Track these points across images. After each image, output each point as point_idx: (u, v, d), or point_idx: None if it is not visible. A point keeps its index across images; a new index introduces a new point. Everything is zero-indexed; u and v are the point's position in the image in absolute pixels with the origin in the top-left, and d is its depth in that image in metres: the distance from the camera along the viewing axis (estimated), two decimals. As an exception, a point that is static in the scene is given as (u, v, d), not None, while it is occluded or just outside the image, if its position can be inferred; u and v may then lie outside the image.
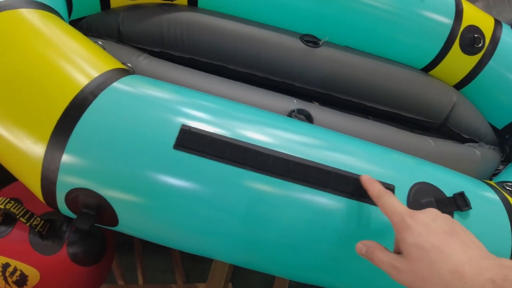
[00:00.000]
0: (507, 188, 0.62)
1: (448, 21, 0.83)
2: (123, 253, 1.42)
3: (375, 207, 0.46)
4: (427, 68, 0.88)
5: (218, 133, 0.48)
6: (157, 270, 1.41)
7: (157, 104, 0.50)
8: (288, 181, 0.45)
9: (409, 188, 0.49)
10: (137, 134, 0.47)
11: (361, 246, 0.42)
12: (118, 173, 0.47)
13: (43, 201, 0.54)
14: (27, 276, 0.57)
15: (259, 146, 0.47)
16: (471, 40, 0.83)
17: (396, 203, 0.41)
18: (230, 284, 1.35)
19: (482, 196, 0.57)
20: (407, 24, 0.82)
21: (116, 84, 0.53)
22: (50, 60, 0.53)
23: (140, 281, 1.28)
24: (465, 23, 0.83)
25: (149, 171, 0.47)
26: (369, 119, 0.87)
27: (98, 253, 0.59)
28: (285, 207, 0.46)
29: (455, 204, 0.50)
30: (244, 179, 0.46)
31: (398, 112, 0.86)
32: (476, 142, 0.88)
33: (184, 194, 0.47)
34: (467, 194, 0.53)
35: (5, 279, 0.59)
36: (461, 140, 0.88)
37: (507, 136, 0.92)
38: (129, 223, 0.50)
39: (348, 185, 0.47)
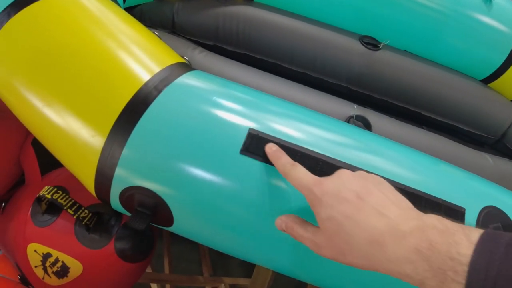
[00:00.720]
0: None
1: (513, 32, 0.76)
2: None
3: None
4: (487, 80, 0.82)
5: (286, 140, 0.44)
6: (184, 260, 1.39)
7: (223, 103, 0.47)
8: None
9: (478, 211, 0.45)
10: (202, 135, 0.44)
11: (280, 222, 0.37)
12: (179, 174, 0.44)
13: (94, 195, 0.52)
14: (69, 268, 0.55)
15: (330, 157, 0.43)
16: (537, 55, 0.76)
17: (303, 174, 0.36)
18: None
19: None
20: (470, 31, 0.77)
21: (180, 80, 0.50)
22: (113, 50, 0.51)
23: (166, 270, 1.27)
24: (535, 35, 0.77)
25: (211, 174, 0.43)
26: (423, 129, 0.82)
27: (146, 250, 0.56)
28: None
29: None
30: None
31: (455, 124, 0.80)
32: None
33: (245, 201, 0.44)
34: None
35: (44, 269, 0.58)
36: (517, 159, 0.82)
37: None
38: (184, 225, 0.48)
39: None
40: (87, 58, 0.50)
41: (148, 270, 1.26)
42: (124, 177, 0.46)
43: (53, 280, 0.58)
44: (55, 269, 0.57)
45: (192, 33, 0.73)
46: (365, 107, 0.74)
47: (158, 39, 0.58)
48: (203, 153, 0.43)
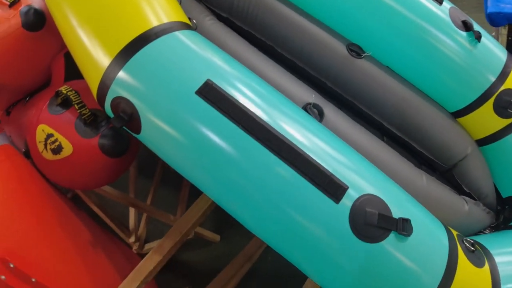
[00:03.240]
0: (465, 243, 0.69)
1: (491, 77, 0.89)
2: (144, 175, 1.66)
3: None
4: (457, 114, 0.94)
5: (232, 95, 0.63)
6: (165, 202, 1.63)
7: (199, 59, 0.66)
8: (267, 148, 0.60)
9: (360, 194, 0.61)
10: (175, 75, 0.64)
11: None
12: (151, 97, 0.65)
13: (95, 99, 0.73)
14: (63, 148, 0.78)
15: (254, 114, 0.61)
16: (506, 103, 0.89)
17: None
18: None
19: (431, 234, 0.66)
20: (452, 65, 0.89)
21: (176, 33, 0.69)
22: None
23: (148, 202, 1.51)
24: (506, 85, 0.89)
25: (172, 104, 0.63)
26: (384, 139, 0.97)
27: (120, 149, 0.78)
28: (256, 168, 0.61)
29: (395, 226, 0.60)
30: (237, 135, 0.61)
31: (412, 143, 0.94)
32: (474, 199, 0.93)
33: (190, 132, 0.63)
34: (417, 224, 0.62)
35: (45, 145, 0.81)
36: (460, 190, 0.94)
37: (507, 206, 0.96)
38: (147, 135, 0.68)
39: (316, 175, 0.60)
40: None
41: (132, 195, 1.51)
42: (116, 89, 0.67)
43: (49, 155, 0.81)
44: (53, 146, 0.80)
45: (211, 2, 0.92)
46: (332, 102, 0.90)
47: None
48: (170, 86, 0.63)
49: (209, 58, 0.68)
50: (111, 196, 1.39)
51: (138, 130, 0.68)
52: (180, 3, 0.83)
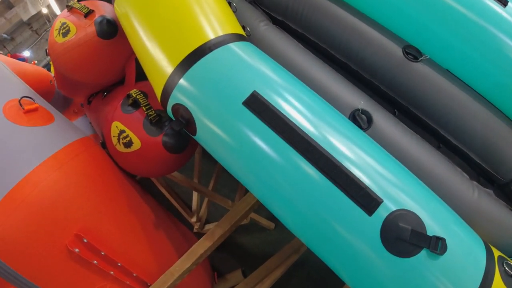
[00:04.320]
0: (504, 266, 0.66)
1: None
2: (209, 160, 1.78)
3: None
4: None
5: (278, 107, 0.67)
6: (227, 188, 1.74)
7: (248, 70, 0.72)
8: (305, 159, 0.63)
9: (394, 209, 0.62)
10: (226, 85, 0.70)
11: None
12: (206, 105, 0.72)
13: (160, 102, 0.83)
14: (133, 143, 0.89)
15: (297, 126, 0.65)
16: None
17: None
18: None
19: (467, 254, 0.64)
20: None
21: (230, 45, 0.75)
22: (193, 10, 0.77)
23: (210, 188, 1.63)
24: None
25: (222, 112, 0.70)
26: (439, 147, 0.93)
27: (180, 147, 0.88)
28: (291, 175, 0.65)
29: (428, 243, 0.60)
30: (278, 145, 0.66)
31: (468, 152, 0.89)
32: None
33: (238, 137, 0.70)
34: (454, 242, 0.62)
35: (118, 139, 0.93)
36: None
37: None
38: (201, 137, 0.76)
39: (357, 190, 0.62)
40: (177, 15, 0.78)
41: (195, 180, 1.64)
42: (177, 95, 0.76)
43: (121, 148, 0.93)
44: (125, 141, 0.92)
45: (267, 6, 0.96)
46: (386, 105, 0.88)
47: (228, 7, 0.83)
48: (221, 96, 0.70)
49: (258, 69, 0.73)
50: (177, 180, 1.53)
51: (194, 132, 0.76)
52: (235, 11, 0.88)
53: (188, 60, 0.74)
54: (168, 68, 0.77)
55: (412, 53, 0.88)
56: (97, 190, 0.91)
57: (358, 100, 0.84)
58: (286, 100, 0.69)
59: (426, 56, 0.87)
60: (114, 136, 0.93)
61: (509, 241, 0.81)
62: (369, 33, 0.89)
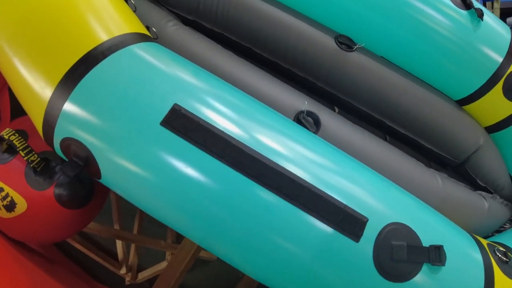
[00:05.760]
0: (497, 253, 0.58)
1: (498, 58, 0.76)
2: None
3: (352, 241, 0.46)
4: (462, 102, 0.82)
5: (207, 119, 0.48)
6: (154, 223, 1.47)
7: (162, 77, 0.51)
8: (261, 185, 0.45)
9: (383, 226, 0.48)
10: (132, 103, 0.49)
11: None
12: (107, 134, 0.49)
13: (44, 140, 0.58)
14: (16, 204, 0.62)
15: (240, 142, 0.47)
16: (517, 85, 0.77)
17: None
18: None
19: (464, 254, 0.54)
20: (453, 48, 0.76)
21: (131, 48, 0.54)
22: (76, 8, 0.55)
23: (135, 230, 1.35)
24: (516, 65, 0.77)
25: (133, 141, 0.48)
26: (386, 139, 0.84)
27: (83, 199, 0.62)
28: (243, 203, 0.46)
29: (428, 256, 0.48)
30: (221, 172, 0.46)
31: (418, 139, 0.82)
32: (490, 192, 0.82)
33: (161, 172, 0.48)
34: (449, 247, 0.51)
35: (-2, 202, 0.65)
36: (475, 185, 0.83)
37: (525, 195, 0.86)
38: (110, 180, 0.53)
39: (331, 213, 0.46)
40: (51, 11, 0.55)
41: (116, 227, 1.35)
42: (64, 127, 0.52)
43: (3, 213, 0.65)
44: (5, 203, 0.63)
45: (174, 4, 0.77)
46: (332, 107, 0.76)
47: (126, 5, 0.62)
48: (128, 118, 0.48)
49: (174, 74, 0.52)
50: (94, 231, 1.23)
51: (98, 175, 0.53)
52: (135, 11, 0.67)
53: (73, 73, 0.51)
54: (47, 90, 0.53)
55: (345, 42, 0.76)
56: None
57: (299, 100, 0.70)
58: (219, 111, 0.50)
59: (361, 44, 0.76)
60: (-12, 199, 0.64)
61: (480, 222, 0.75)
62: (297, 26, 0.75)
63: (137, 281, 1.37)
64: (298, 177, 0.46)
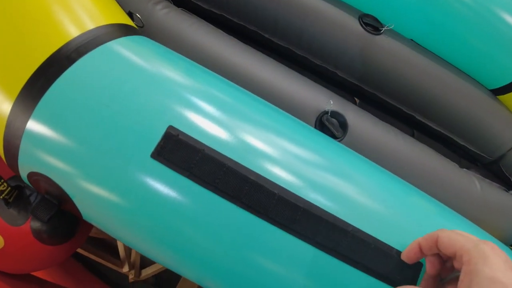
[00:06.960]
0: None
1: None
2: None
3: None
4: (498, 91, 0.69)
5: (214, 145, 0.35)
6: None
7: (149, 86, 0.37)
8: (289, 233, 0.33)
9: None
10: (112, 127, 0.35)
11: None
12: (81, 168, 0.36)
13: (8, 167, 0.45)
14: (-9, 240, 0.50)
15: (261, 177, 0.34)
16: None
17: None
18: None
19: None
20: (492, 31, 0.62)
21: (110, 44, 0.40)
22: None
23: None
24: None
25: (117, 176, 0.35)
26: (413, 134, 0.72)
27: (65, 233, 0.50)
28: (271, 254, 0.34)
29: None
30: (231, 216, 0.34)
31: (450, 135, 0.70)
32: None
33: (154, 206, 0.36)
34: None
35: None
36: (508, 185, 0.72)
37: None
38: (94, 220, 0.41)
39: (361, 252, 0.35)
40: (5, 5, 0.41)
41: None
42: (29, 157, 0.39)
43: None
44: (-24, 239, 0.52)
45: (162, -17, 0.61)
46: (352, 98, 0.63)
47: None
48: (109, 151, 0.34)
49: (167, 80, 0.38)
50: (93, 233, 1.11)
51: (78, 214, 0.40)
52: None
53: (36, 82, 0.37)
54: (5, 105, 0.40)
55: (371, 23, 0.62)
56: None
57: (320, 98, 0.57)
58: (232, 133, 0.37)
59: (391, 25, 0.63)
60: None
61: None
62: (313, 4, 0.61)
63: (141, 278, 1.29)
64: (340, 219, 0.34)
